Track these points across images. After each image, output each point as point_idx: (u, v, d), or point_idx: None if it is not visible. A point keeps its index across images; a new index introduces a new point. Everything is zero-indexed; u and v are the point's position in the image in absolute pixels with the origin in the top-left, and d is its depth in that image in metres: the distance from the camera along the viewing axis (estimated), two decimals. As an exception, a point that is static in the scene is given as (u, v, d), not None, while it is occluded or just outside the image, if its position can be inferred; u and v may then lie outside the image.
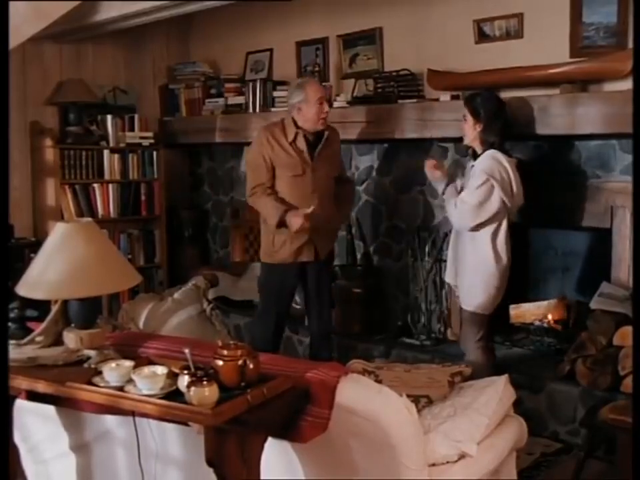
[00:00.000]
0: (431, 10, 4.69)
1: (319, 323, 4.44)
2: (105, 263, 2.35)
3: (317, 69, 5.14)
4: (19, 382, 2.27)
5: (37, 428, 2.68)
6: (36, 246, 4.15)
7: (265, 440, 2.09)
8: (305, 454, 2.23)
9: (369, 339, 4.83)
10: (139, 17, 5.03)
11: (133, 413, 2.26)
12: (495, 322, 4.01)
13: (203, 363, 2.07)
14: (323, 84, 5.11)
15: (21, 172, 5.57)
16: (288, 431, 2.14)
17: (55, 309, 2.42)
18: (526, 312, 4.28)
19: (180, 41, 6.37)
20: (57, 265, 2.28)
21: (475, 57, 4.44)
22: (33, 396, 2.38)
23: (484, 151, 3.74)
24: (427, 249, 4.72)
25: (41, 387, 2.25)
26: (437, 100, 4.49)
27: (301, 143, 4.11)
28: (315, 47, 5.37)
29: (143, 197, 5.95)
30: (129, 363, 2.18)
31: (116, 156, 5.80)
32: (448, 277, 4.03)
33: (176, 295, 5.35)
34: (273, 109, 5.32)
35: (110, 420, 2.48)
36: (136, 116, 5.94)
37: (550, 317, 4.21)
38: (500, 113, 3.79)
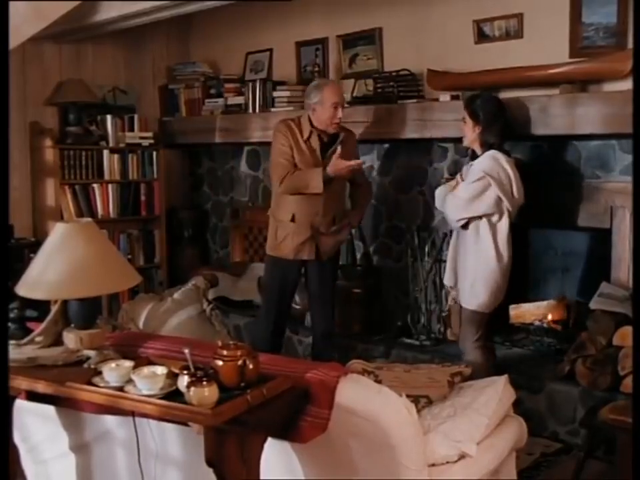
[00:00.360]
0: (430, 10, 4.69)
1: (321, 324, 4.44)
2: (104, 263, 2.35)
3: (316, 69, 5.14)
4: (19, 382, 2.27)
5: (37, 428, 2.68)
6: (36, 246, 4.15)
7: (264, 440, 2.09)
8: (305, 454, 2.23)
9: (368, 339, 4.83)
10: (138, 17, 5.02)
11: (132, 413, 2.26)
12: (494, 322, 4.01)
13: (202, 363, 2.07)
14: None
15: (21, 172, 5.57)
16: (288, 431, 2.14)
17: (54, 309, 2.42)
18: (526, 312, 4.28)
19: (180, 41, 6.37)
20: (57, 265, 2.28)
21: (474, 57, 4.44)
22: (33, 396, 2.38)
23: (483, 152, 3.76)
24: (426, 249, 4.72)
25: (41, 387, 2.24)
26: (437, 100, 4.49)
27: (315, 142, 4.16)
28: (315, 47, 5.37)
29: (142, 197, 5.95)
30: (128, 363, 2.18)
31: (116, 156, 5.80)
32: (446, 279, 4.03)
33: (176, 295, 5.35)
34: (272, 109, 5.32)
35: (110, 420, 2.48)
36: (136, 116, 5.94)
37: (550, 317, 4.21)
38: (499, 115, 3.80)
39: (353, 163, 4.07)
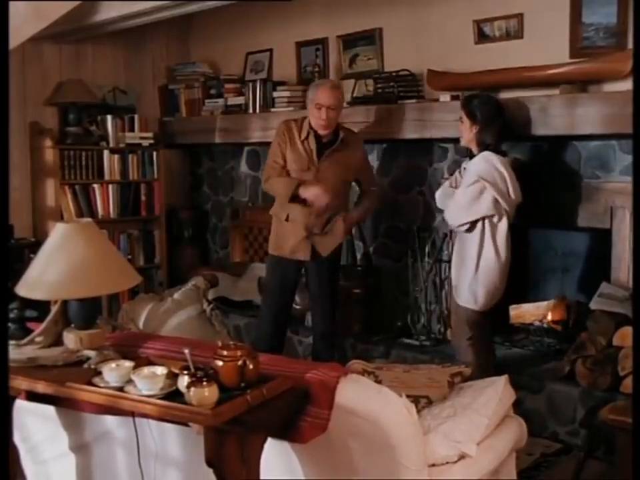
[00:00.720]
0: (430, 10, 4.69)
1: (320, 324, 4.45)
2: (104, 263, 2.35)
3: (316, 69, 5.14)
4: (19, 382, 2.27)
5: (37, 428, 2.68)
6: (36, 246, 4.16)
7: (264, 440, 2.09)
8: (305, 454, 2.23)
9: (368, 339, 4.82)
10: (138, 17, 5.03)
11: (132, 414, 2.26)
12: (494, 322, 4.01)
13: (202, 364, 2.07)
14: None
15: (21, 172, 5.57)
16: (287, 432, 2.14)
17: (54, 309, 2.42)
18: (526, 312, 4.28)
19: (180, 41, 6.37)
20: (57, 266, 2.28)
21: (474, 57, 4.44)
22: (33, 396, 2.38)
23: (479, 152, 3.76)
24: (426, 250, 4.72)
25: (41, 387, 2.25)
26: (437, 100, 4.49)
27: (312, 142, 4.19)
28: (315, 48, 5.37)
29: (142, 198, 5.95)
30: (128, 364, 2.18)
31: (116, 156, 5.80)
32: (453, 278, 4.02)
33: (176, 296, 5.35)
34: (272, 110, 5.32)
35: (110, 420, 2.48)
36: (136, 116, 5.94)
37: (550, 317, 4.20)
38: (497, 116, 3.81)
39: (323, 200, 4.10)
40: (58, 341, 2.39)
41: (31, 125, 5.62)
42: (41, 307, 2.75)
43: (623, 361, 3.59)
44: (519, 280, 4.54)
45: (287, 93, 5.25)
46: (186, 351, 2.08)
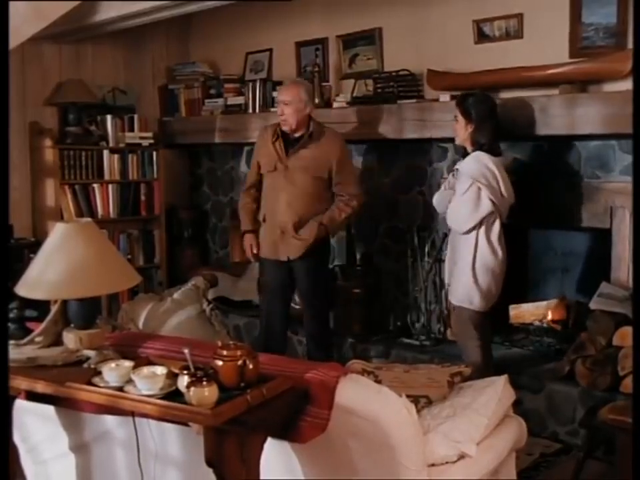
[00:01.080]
0: (430, 10, 4.69)
1: (308, 323, 4.50)
2: (104, 263, 2.35)
3: (316, 69, 5.13)
4: (19, 382, 2.27)
5: (37, 428, 2.68)
6: (35, 246, 4.16)
7: (264, 440, 2.09)
8: (305, 454, 2.23)
9: (368, 339, 4.83)
10: (138, 17, 5.02)
11: (132, 413, 2.26)
12: (494, 322, 4.01)
13: (202, 363, 2.07)
14: (323, 84, 5.13)
15: (21, 172, 5.57)
16: (287, 431, 2.14)
17: (54, 309, 2.42)
18: (525, 312, 4.28)
19: (179, 41, 6.37)
20: (57, 265, 2.28)
21: (474, 57, 4.44)
22: (33, 396, 2.38)
23: (473, 152, 3.75)
24: (426, 249, 4.72)
25: (41, 387, 2.24)
26: (437, 100, 4.49)
27: (280, 142, 4.29)
28: (315, 47, 5.37)
29: (142, 197, 5.95)
30: (128, 363, 2.18)
31: (115, 156, 5.80)
32: (447, 278, 4.04)
33: (175, 295, 5.35)
34: (272, 109, 5.31)
35: (109, 420, 2.48)
36: (135, 116, 5.94)
37: (549, 317, 4.21)
38: (491, 115, 3.80)
39: (250, 253, 4.40)
40: (58, 341, 2.39)
41: (30, 124, 5.62)
42: (41, 307, 2.75)
43: (622, 361, 3.59)
44: (518, 280, 4.54)
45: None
46: (186, 350, 2.08)
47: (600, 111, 3.76)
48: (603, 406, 2.89)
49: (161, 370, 2.12)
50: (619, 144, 4.00)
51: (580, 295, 4.31)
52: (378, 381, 2.63)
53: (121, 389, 2.11)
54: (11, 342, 2.35)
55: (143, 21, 5.11)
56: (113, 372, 2.15)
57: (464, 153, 3.87)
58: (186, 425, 2.13)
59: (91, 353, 2.33)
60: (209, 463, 1.98)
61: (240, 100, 5.63)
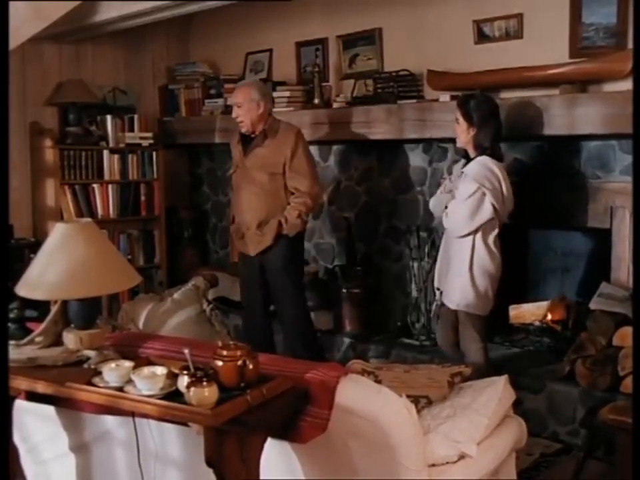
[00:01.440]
0: (430, 10, 4.69)
1: (281, 320, 4.54)
2: (104, 263, 2.35)
3: (316, 69, 5.13)
4: (19, 382, 2.27)
5: (37, 428, 2.68)
6: (35, 246, 4.16)
7: (264, 440, 2.09)
8: (305, 454, 2.23)
9: (368, 339, 4.83)
10: (138, 18, 5.02)
11: (132, 414, 2.26)
12: (494, 322, 4.01)
13: (202, 364, 2.07)
14: (323, 84, 5.13)
15: (21, 172, 5.57)
16: (287, 432, 2.14)
17: (54, 309, 2.42)
18: (526, 312, 4.28)
19: (180, 41, 6.37)
20: (57, 266, 2.28)
21: (474, 57, 4.44)
22: (33, 396, 2.38)
23: (477, 155, 3.74)
24: (426, 250, 4.72)
25: (41, 387, 2.24)
26: (437, 100, 4.49)
27: (240, 142, 4.48)
28: (315, 48, 5.37)
29: (142, 198, 5.95)
30: (128, 364, 2.18)
31: (115, 156, 5.80)
32: (436, 280, 3.99)
33: (175, 296, 5.34)
34: (272, 109, 5.30)
35: (109, 420, 2.48)
36: (135, 116, 5.94)
37: (550, 317, 4.21)
38: (493, 117, 3.76)
39: None
40: (58, 341, 2.39)
41: (31, 125, 5.62)
42: (41, 307, 2.75)
43: (622, 361, 3.59)
44: (519, 280, 4.55)
45: (287, 93, 5.25)
46: (186, 351, 2.08)
47: (600, 111, 3.75)
48: (603, 406, 2.89)
49: (161, 370, 2.12)
50: (619, 144, 4.00)
51: (580, 295, 4.31)
52: (378, 381, 2.63)
53: (121, 389, 2.11)
54: (11, 342, 2.35)
55: (143, 21, 5.12)
56: (113, 372, 2.15)
57: (465, 154, 3.86)
58: (186, 425, 2.13)
59: (91, 353, 2.33)
60: (209, 463, 1.98)
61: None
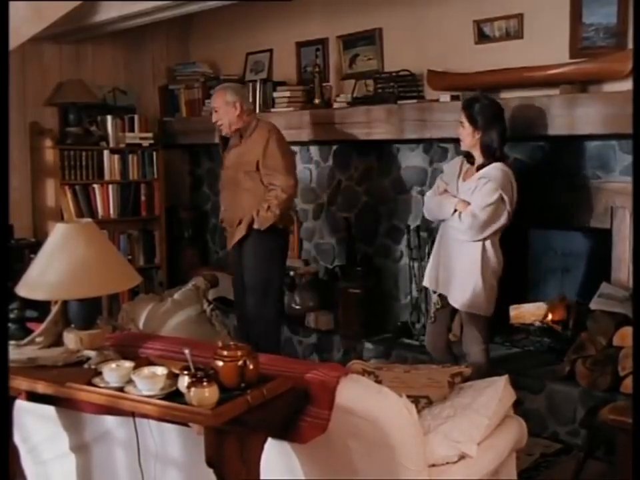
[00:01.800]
0: (430, 10, 4.69)
1: (248, 310, 4.61)
2: (104, 263, 2.35)
3: (317, 69, 5.13)
4: (19, 382, 2.27)
5: (37, 428, 2.68)
6: (36, 246, 4.16)
7: (264, 440, 2.09)
8: (305, 454, 2.23)
9: (368, 339, 4.82)
10: (138, 18, 5.02)
11: (132, 414, 2.26)
12: (494, 323, 4.00)
13: (203, 364, 2.07)
14: (323, 84, 5.14)
15: (21, 172, 5.57)
16: (287, 432, 2.14)
17: (54, 309, 2.42)
18: (526, 312, 4.27)
19: (180, 42, 6.37)
20: (57, 266, 2.28)
21: (474, 57, 4.44)
22: (33, 396, 2.38)
23: (487, 159, 3.71)
24: (426, 250, 4.71)
25: (41, 387, 2.24)
26: (437, 100, 4.49)
27: (221, 143, 4.63)
28: (315, 48, 5.37)
29: (142, 198, 5.95)
30: (128, 364, 2.18)
31: (116, 156, 5.80)
32: (429, 282, 3.94)
33: (176, 296, 5.34)
34: (273, 110, 5.32)
35: (110, 420, 2.48)
36: (136, 116, 5.94)
37: (550, 317, 4.21)
38: (499, 120, 3.74)
39: None
40: (58, 341, 2.39)
41: (31, 125, 5.62)
42: (41, 307, 2.75)
43: (623, 361, 3.59)
44: (519, 280, 4.54)
45: (287, 93, 5.25)
46: (186, 351, 2.08)
47: (600, 111, 3.75)
48: (604, 406, 2.89)
49: (161, 370, 2.12)
50: (619, 144, 4.00)
51: (580, 296, 4.31)
52: (378, 381, 2.63)
53: (121, 389, 2.11)
54: (12, 342, 2.35)
55: (144, 21, 5.12)
56: (113, 372, 2.15)
57: (466, 156, 3.85)
58: (186, 425, 2.13)
59: (91, 353, 2.33)
60: (210, 463, 1.99)
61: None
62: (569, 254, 4.52)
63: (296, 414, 2.14)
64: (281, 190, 4.31)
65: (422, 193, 4.84)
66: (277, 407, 2.09)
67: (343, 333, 4.94)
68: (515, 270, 3.92)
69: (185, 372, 2.03)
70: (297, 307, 5.20)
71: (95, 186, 5.71)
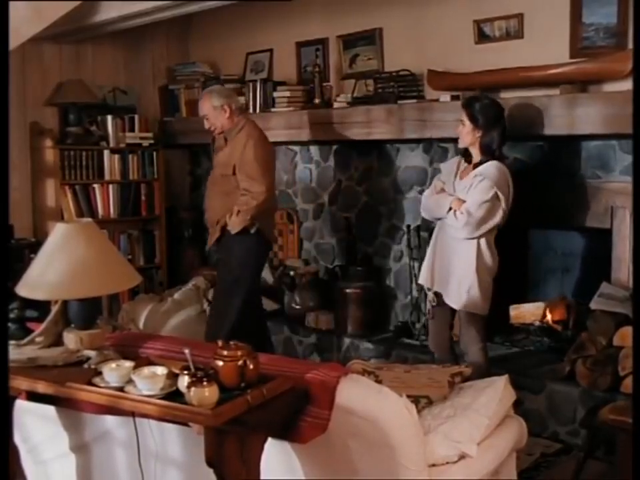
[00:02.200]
0: (431, 10, 4.69)
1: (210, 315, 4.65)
2: (105, 263, 2.35)
3: (317, 69, 5.13)
4: (19, 382, 2.27)
5: (37, 428, 2.68)
6: (36, 246, 4.15)
7: (264, 440, 2.09)
8: (305, 454, 2.23)
9: (369, 339, 4.82)
10: (138, 18, 5.02)
11: (133, 414, 2.26)
12: (494, 323, 4.01)
13: (203, 364, 2.07)
14: (323, 84, 5.14)
15: (21, 172, 5.57)
16: (288, 432, 2.14)
17: (55, 309, 2.42)
18: (526, 312, 4.28)
19: (180, 41, 6.37)
20: (57, 266, 2.28)
21: (475, 57, 4.44)
22: (33, 396, 2.38)
23: (485, 158, 3.72)
24: (426, 249, 4.70)
25: (41, 387, 2.25)
26: (437, 100, 4.49)
27: (212, 144, 4.69)
28: (315, 48, 5.37)
29: (142, 198, 5.95)
30: (128, 364, 2.18)
31: (116, 156, 5.80)
32: (424, 280, 3.93)
33: (176, 296, 5.36)
34: (273, 110, 5.32)
35: (110, 420, 2.48)
36: (136, 116, 5.94)
37: (550, 317, 4.21)
38: (499, 120, 3.75)
39: None
40: (58, 341, 2.39)
41: (31, 125, 5.62)
42: (41, 307, 2.75)
43: (623, 361, 3.59)
44: (519, 280, 4.55)
45: (287, 93, 5.25)
46: (186, 351, 2.08)
47: (600, 111, 3.75)
48: (604, 406, 2.89)
49: (161, 370, 2.12)
50: (619, 144, 4.00)
51: (580, 295, 4.30)
52: (378, 381, 2.63)
53: (121, 389, 2.11)
54: (12, 342, 2.35)
55: (144, 21, 5.12)
56: (113, 372, 2.15)
57: (464, 154, 3.86)
58: (186, 425, 2.13)
59: (91, 353, 2.33)
60: (210, 463, 1.99)
61: (240, 100, 5.62)
62: (569, 254, 4.52)
63: (296, 414, 2.14)
64: (252, 197, 4.27)
65: (422, 193, 4.84)
66: (277, 406, 2.09)
67: (343, 332, 4.94)
68: (515, 270, 3.92)
69: (185, 372, 2.03)
70: (297, 307, 5.20)
71: (95, 186, 5.71)
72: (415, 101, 4.59)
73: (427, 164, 4.83)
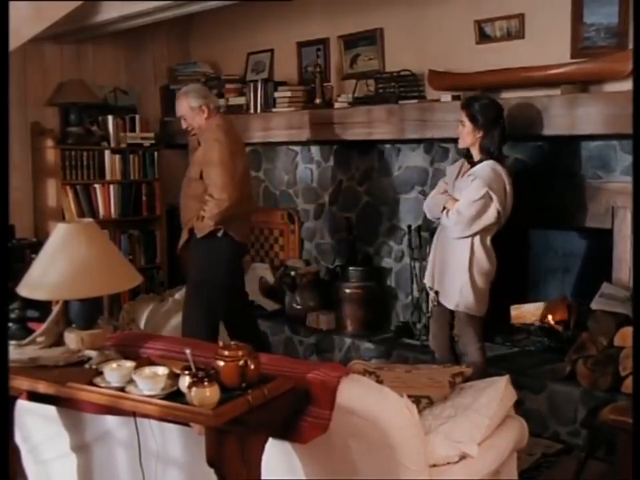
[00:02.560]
0: (431, 10, 4.69)
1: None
2: (105, 263, 2.35)
3: (317, 69, 5.13)
4: (20, 382, 2.27)
5: (38, 428, 2.69)
6: (37, 246, 4.16)
7: (265, 440, 2.09)
8: (306, 454, 2.23)
9: (369, 339, 4.82)
10: (139, 18, 5.02)
11: (133, 414, 2.26)
12: (495, 323, 4.01)
13: (204, 364, 2.07)
14: (324, 84, 5.14)
15: (22, 172, 5.57)
16: (288, 432, 2.14)
17: (56, 309, 2.42)
18: (526, 313, 4.28)
19: (180, 41, 6.37)
20: (58, 266, 2.29)
21: (475, 57, 4.44)
22: (34, 396, 2.39)
23: (483, 158, 3.73)
24: (427, 250, 4.71)
25: (42, 387, 2.25)
26: (438, 100, 4.49)
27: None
28: (316, 48, 5.37)
29: (143, 198, 5.95)
30: (130, 364, 2.19)
31: (117, 156, 5.80)
32: (428, 280, 3.96)
33: (177, 296, 5.35)
34: (273, 110, 5.32)
35: (111, 420, 2.48)
36: (137, 116, 5.94)
37: (550, 317, 4.21)
38: (499, 120, 3.76)
39: None
40: (59, 341, 2.39)
41: (32, 125, 5.62)
42: (43, 307, 2.75)
43: (624, 361, 3.59)
44: (519, 280, 4.55)
45: (288, 93, 5.25)
46: (187, 351, 2.08)
47: (601, 111, 3.76)
48: (604, 406, 2.89)
49: (162, 370, 2.12)
50: (620, 144, 4.00)
51: (581, 296, 4.30)
52: (379, 381, 2.63)
53: (122, 389, 2.12)
54: (13, 342, 2.36)
55: (145, 21, 5.12)
56: (114, 372, 2.15)
57: (466, 155, 3.86)
58: (187, 425, 2.13)
59: (92, 353, 2.33)
60: (210, 463, 1.99)
61: (241, 100, 5.63)
62: (570, 254, 4.52)
63: (297, 414, 2.14)
64: (215, 204, 4.19)
65: (423, 193, 4.85)
66: (278, 407, 2.09)
67: (343, 332, 4.94)
68: (515, 270, 3.92)
69: (186, 372, 2.03)
70: (298, 307, 5.20)
71: (96, 186, 5.71)
72: (415, 101, 4.59)
73: (427, 164, 4.83)
